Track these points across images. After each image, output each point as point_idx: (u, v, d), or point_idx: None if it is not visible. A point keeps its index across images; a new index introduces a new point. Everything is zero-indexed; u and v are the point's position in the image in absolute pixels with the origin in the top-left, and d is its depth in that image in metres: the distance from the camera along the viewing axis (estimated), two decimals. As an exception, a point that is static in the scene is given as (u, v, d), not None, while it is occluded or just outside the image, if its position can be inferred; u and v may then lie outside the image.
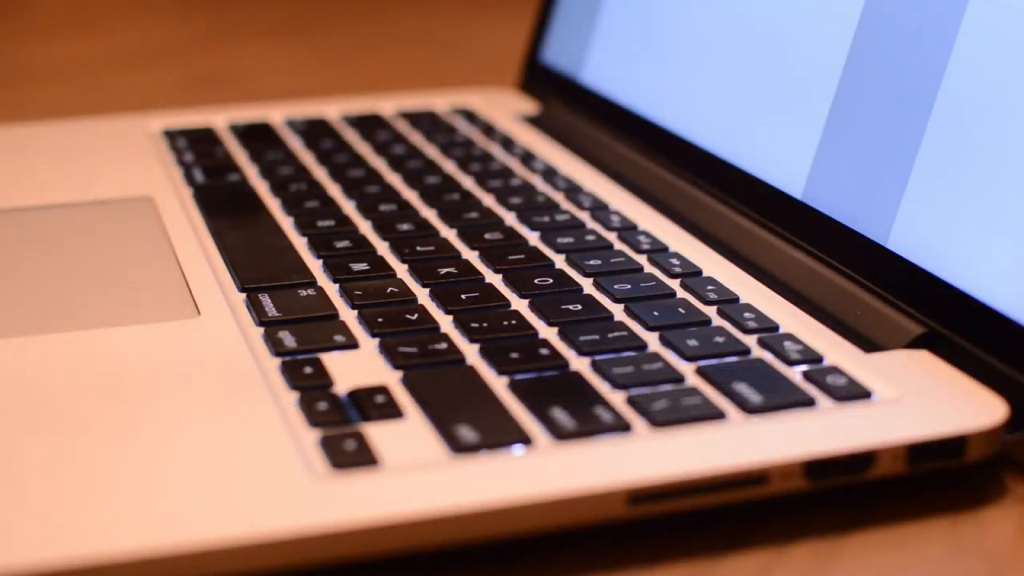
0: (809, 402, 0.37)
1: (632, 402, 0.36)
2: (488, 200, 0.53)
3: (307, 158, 0.58)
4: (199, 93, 0.79)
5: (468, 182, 0.55)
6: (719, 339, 0.40)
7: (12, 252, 0.48)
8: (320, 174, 0.56)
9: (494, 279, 0.45)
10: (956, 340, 0.39)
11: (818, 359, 0.39)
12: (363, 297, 0.43)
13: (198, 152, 0.59)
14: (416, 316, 0.41)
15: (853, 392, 0.37)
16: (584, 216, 0.51)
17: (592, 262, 0.46)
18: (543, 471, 0.34)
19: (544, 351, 0.39)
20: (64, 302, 0.43)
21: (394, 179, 0.55)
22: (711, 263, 0.47)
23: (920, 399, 0.37)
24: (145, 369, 0.38)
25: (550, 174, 0.56)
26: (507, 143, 0.60)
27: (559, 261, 0.47)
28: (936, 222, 0.41)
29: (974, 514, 0.36)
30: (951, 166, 0.41)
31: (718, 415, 0.36)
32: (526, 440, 0.35)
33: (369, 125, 0.63)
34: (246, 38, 0.93)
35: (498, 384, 0.37)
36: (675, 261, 0.46)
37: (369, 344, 0.40)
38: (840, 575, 0.33)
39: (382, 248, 0.48)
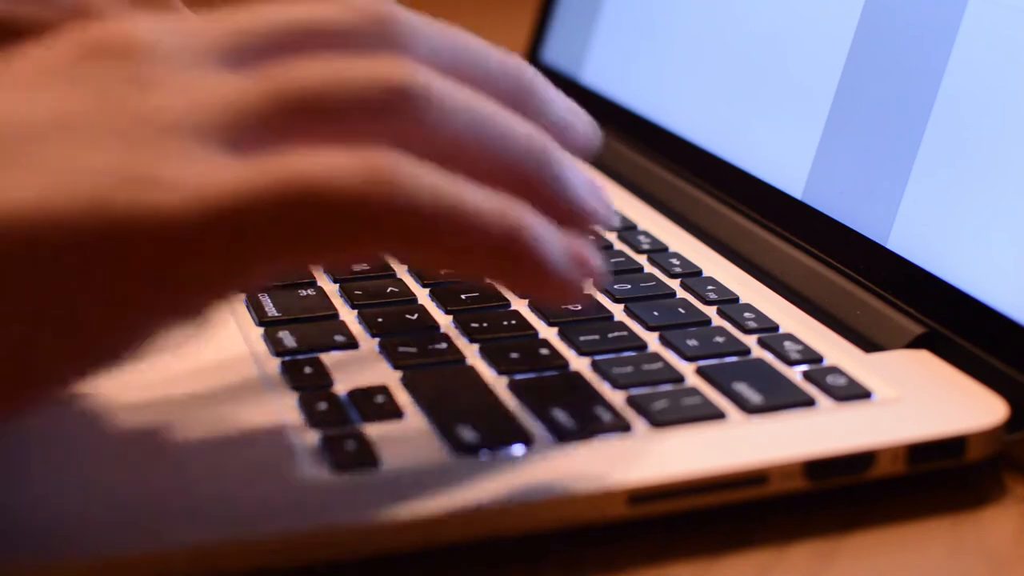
0: (809, 402, 0.37)
1: (632, 402, 0.36)
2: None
3: (307, 158, 0.58)
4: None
5: (468, 182, 0.55)
6: (719, 339, 0.40)
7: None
8: (320, 174, 0.56)
9: (494, 279, 0.45)
10: (956, 340, 0.39)
11: (818, 359, 0.39)
12: (363, 297, 0.43)
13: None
14: (416, 316, 0.41)
15: (853, 392, 0.37)
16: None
17: (592, 262, 0.46)
18: (543, 471, 0.33)
19: (544, 351, 0.39)
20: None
21: (394, 179, 0.55)
22: (711, 263, 0.47)
23: (920, 399, 0.37)
24: (144, 369, 0.38)
25: (550, 174, 0.56)
26: (507, 143, 0.60)
27: (559, 261, 0.47)
28: (936, 222, 0.42)
29: (974, 514, 0.36)
30: (951, 166, 0.41)
31: (718, 415, 0.36)
32: (526, 440, 0.34)
33: (369, 125, 0.63)
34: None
35: (498, 384, 0.37)
36: (675, 261, 0.46)
37: (369, 344, 0.40)
38: (840, 575, 0.33)
39: (382, 248, 0.47)
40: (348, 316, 0.42)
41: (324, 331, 0.40)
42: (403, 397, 0.37)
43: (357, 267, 0.45)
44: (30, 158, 0.28)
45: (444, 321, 0.41)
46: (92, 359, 0.29)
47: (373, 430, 0.35)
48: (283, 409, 0.36)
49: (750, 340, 0.40)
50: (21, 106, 0.29)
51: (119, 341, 0.29)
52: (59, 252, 0.27)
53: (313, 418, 0.35)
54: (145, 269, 0.28)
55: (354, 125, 0.30)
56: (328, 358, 0.39)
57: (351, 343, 0.40)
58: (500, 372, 0.38)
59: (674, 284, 0.45)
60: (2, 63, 0.31)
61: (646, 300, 0.43)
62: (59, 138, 0.28)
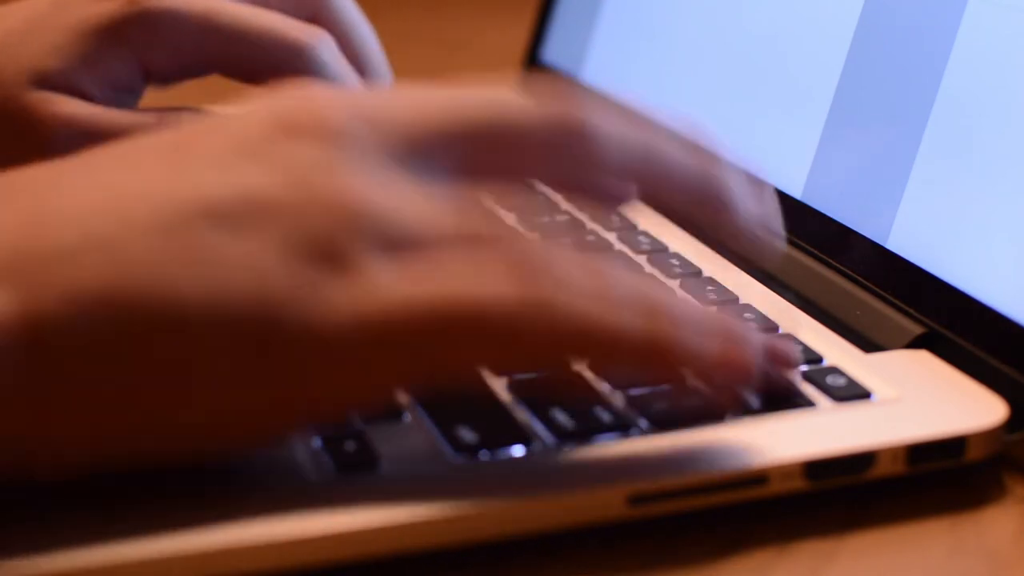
0: (809, 402, 0.37)
1: (632, 402, 0.36)
2: (487, 200, 0.53)
3: (307, 158, 0.58)
4: (200, 93, 0.78)
5: (468, 182, 0.55)
6: (719, 339, 0.40)
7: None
8: (320, 174, 0.56)
9: (494, 279, 0.45)
10: (956, 340, 0.39)
11: (818, 359, 0.39)
12: (363, 297, 0.43)
13: (198, 152, 0.58)
14: (416, 316, 0.41)
15: (853, 392, 0.37)
16: (584, 216, 0.51)
17: (592, 262, 0.46)
18: (543, 472, 0.33)
19: (544, 351, 0.39)
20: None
21: (394, 179, 0.55)
22: (711, 263, 0.47)
23: (920, 399, 0.37)
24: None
25: (550, 174, 0.56)
26: (507, 143, 0.60)
27: (559, 261, 0.46)
28: (936, 222, 0.41)
29: (974, 514, 0.36)
30: (951, 166, 0.41)
31: (718, 416, 0.36)
32: (526, 440, 0.34)
33: (369, 125, 0.63)
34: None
35: (498, 384, 0.37)
36: (675, 261, 0.46)
37: (369, 344, 0.40)
38: (840, 575, 0.33)
39: (382, 248, 0.47)
40: (348, 316, 0.42)
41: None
42: (403, 397, 0.37)
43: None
44: (208, 249, 0.29)
45: (444, 321, 0.41)
46: (222, 447, 0.31)
47: (373, 430, 0.35)
48: (283, 409, 0.36)
49: (750, 340, 0.40)
50: (212, 185, 0.30)
51: (252, 433, 0.31)
52: (225, 341, 0.29)
53: (313, 418, 0.35)
54: (291, 370, 0.29)
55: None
56: (328, 358, 0.39)
57: (351, 343, 0.40)
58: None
59: (674, 284, 0.44)
60: (200, 125, 0.33)
61: (646, 300, 0.43)
62: (240, 228, 0.29)
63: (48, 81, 0.41)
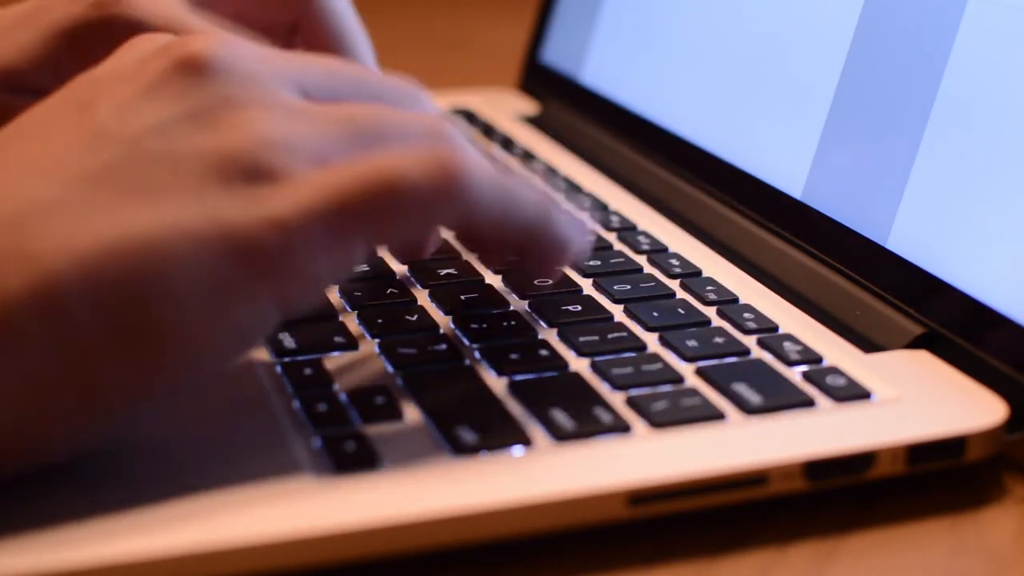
0: (809, 402, 0.37)
1: (632, 403, 0.36)
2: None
3: (307, 159, 0.58)
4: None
5: (468, 182, 0.55)
6: (719, 340, 0.40)
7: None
8: (320, 175, 0.56)
9: (494, 280, 0.45)
10: (956, 340, 0.39)
11: (818, 359, 0.39)
12: (363, 298, 0.43)
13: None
14: (416, 317, 0.41)
15: (853, 392, 0.37)
16: (584, 217, 0.51)
17: (592, 263, 0.46)
18: (543, 472, 0.34)
19: (544, 352, 0.39)
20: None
21: (394, 179, 0.55)
22: (711, 263, 0.47)
23: (920, 399, 0.37)
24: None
25: (550, 174, 0.56)
26: (507, 143, 0.60)
27: (559, 261, 0.47)
28: (936, 222, 0.42)
29: (974, 514, 0.36)
30: (951, 166, 0.42)
31: (718, 416, 0.36)
32: (526, 441, 0.35)
33: (369, 125, 0.63)
34: (246, 38, 0.93)
35: (498, 385, 0.37)
36: (675, 261, 0.46)
37: (369, 345, 0.40)
38: (840, 575, 0.33)
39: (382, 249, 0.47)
40: (348, 317, 0.42)
41: (324, 332, 0.40)
42: (403, 397, 0.37)
43: (357, 268, 0.45)
44: (151, 184, 0.32)
45: (444, 322, 0.41)
46: (225, 353, 0.33)
47: (373, 430, 0.35)
48: (283, 411, 0.36)
49: (750, 340, 0.40)
50: (128, 126, 0.33)
51: (247, 334, 0.33)
52: (196, 265, 0.31)
53: (313, 419, 0.35)
54: (268, 267, 0.32)
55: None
56: (328, 359, 0.39)
57: (351, 344, 0.40)
58: (500, 373, 0.38)
59: (674, 284, 0.45)
60: (90, 74, 0.35)
61: (646, 300, 0.43)
62: (168, 163, 0.32)
63: (14, 81, 0.42)
